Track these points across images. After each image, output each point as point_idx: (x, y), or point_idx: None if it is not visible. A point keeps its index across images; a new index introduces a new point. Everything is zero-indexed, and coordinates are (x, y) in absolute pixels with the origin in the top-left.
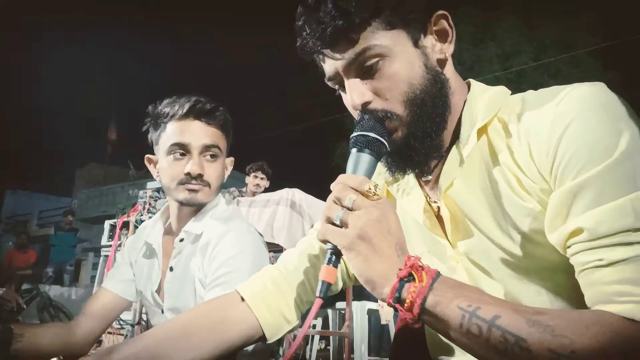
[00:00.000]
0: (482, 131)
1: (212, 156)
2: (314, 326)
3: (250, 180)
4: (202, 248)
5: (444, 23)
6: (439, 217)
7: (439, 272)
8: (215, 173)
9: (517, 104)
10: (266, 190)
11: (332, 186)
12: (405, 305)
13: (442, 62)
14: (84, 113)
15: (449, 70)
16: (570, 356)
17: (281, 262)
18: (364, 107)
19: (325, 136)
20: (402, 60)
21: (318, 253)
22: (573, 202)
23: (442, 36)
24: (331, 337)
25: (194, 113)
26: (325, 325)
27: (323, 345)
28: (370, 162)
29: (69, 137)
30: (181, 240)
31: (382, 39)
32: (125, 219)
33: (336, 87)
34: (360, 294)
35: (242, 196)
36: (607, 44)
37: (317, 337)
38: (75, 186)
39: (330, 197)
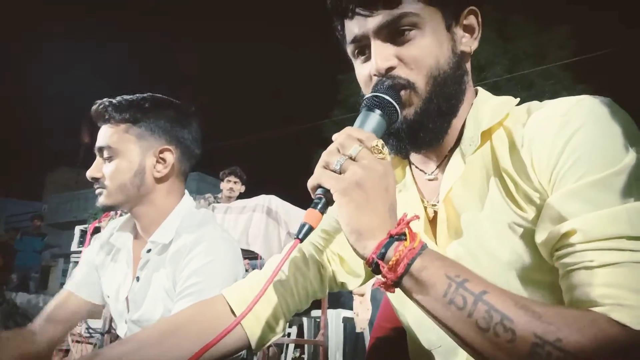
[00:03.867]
0: (486, 137)
1: (106, 158)
2: (289, 334)
3: (224, 185)
4: (173, 258)
5: (473, 19)
6: (431, 221)
7: (426, 244)
8: (108, 173)
9: (523, 114)
10: (242, 196)
11: (335, 136)
12: (390, 263)
13: (465, 55)
14: (58, 115)
15: (468, 65)
16: (556, 344)
17: (268, 269)
18: (387, 72)
19: (303, 143)
20: (433, 36)
21: (307, 262)
22: (569, 206)
23: (469, 31)
24: (306, 346)
25: (97, 119)
26: (300, 333)
27: (298, 354)
28: (380, 123)
29: (41, 139)
30: (148, 251)
31: (420, 10)
32: (97, 225)
33: (355, 53)
34: (336, 301)
35: (217, 202)
36: (578, 58)
37: (291, 346)
38: (45, 190)
39: (333, 145)
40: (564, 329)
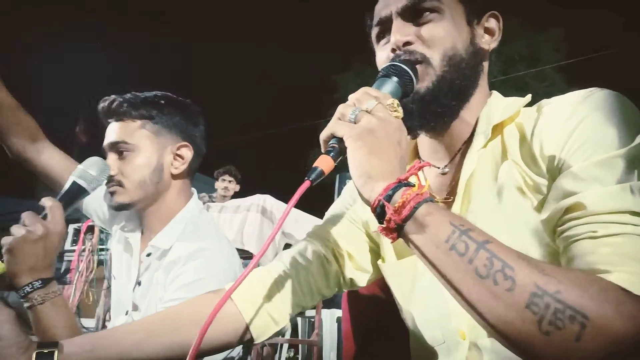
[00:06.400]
0: (498, 131)
1: (120, 153)
2: (283, 334)
3: (219, 184)
4: (168, 266)
5: (494, 22)
6: None
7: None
8: (126, 170)
9: (533, 110)
10: (237, 195)
11: (351, 95)
12: (396, 204)
13: (483, 52)
14: (51, 110)
15: (485, 63)
16: (555, 296)
17: (272, 264)
18: (404, 46)
19: (299, 142)
20: (452, 23)
21: (310, 256)
22: (574, 183)
23: (489, 33)
24: (300, 345)
25: (108, 115)
26: (294, 333)
27: (292, 354)
28: (396, 89)
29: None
30: (148, 254)
31: None
32: (90, 223)
33: (378, 36)
34: (330, 301)
35: (212, 201)
36: (572, 61)
37: (285, 346)
38: (38, 188)
39: (349, 100)
40: (565, 282)
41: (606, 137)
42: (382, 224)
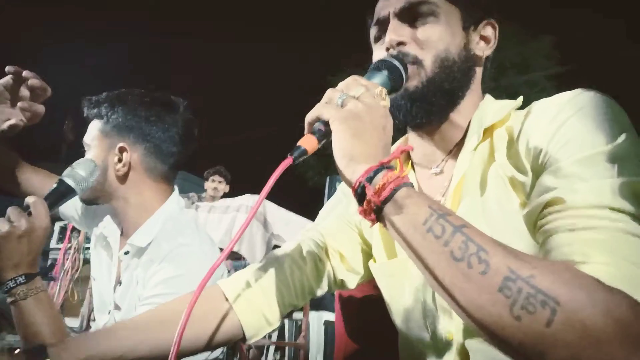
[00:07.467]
0: (488, 134)
1: (86, 152)
2: (270, 337)
3: (208, 184)
4: (147, 263)
5: (490, 30)
6: None
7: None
8: None
9: (522, 114)
10: (226, 195)
11: (340, 82)
12: (377, 186)
13: (477, 58)
14: (49, 111)
15: (479, 69)
16: (528, 280)
17: (267, 262)
18: (398, 46)
19: (290, 143)
20: (448, 27)
21: (304, 256)
22: (555, 179)
23: (485, 40)
24: (286, 348)
25: (89, 116)
26: (281, 335)
27: (278, 357)
28: (385, 81)
29: (23, 133)
30: (126, 253)
31: (441, 3)
32: None
33: (376, 37)
34: (318, 304)
35: (201, 201)
36: (563, 69)
37: (272, 348)
38: None
39: (338, 86)
40: (539, 268)
41: (590, 136)
42: (362, 205)
